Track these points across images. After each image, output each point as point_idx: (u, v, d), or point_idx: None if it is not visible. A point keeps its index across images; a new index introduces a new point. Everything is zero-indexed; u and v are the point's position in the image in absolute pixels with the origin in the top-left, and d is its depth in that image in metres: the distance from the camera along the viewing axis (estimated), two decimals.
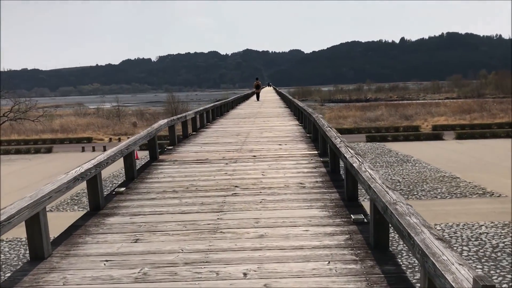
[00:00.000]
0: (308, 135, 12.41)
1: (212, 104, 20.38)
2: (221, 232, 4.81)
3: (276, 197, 6.05)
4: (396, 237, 10.60)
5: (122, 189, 6.78)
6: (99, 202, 5.83)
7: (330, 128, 8.17)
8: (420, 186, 17.86)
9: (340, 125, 40.32)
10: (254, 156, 9.29)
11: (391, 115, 53.80)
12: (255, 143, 11.23)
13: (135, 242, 4.61)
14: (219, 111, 21.91)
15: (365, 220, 4.96)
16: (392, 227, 3.72)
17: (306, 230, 4.74)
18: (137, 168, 8.37)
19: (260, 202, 5.87)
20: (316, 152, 9.51)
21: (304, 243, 4.40)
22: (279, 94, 48.82)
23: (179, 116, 12.69)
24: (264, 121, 18.18)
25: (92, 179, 5.76)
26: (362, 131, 36.78)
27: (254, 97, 41.98)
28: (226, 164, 8.50)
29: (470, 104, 62.30)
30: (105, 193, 6.35)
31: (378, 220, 4.12)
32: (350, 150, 5.90)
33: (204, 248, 4.40)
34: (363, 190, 4.85)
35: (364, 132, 36.69)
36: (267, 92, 58.50)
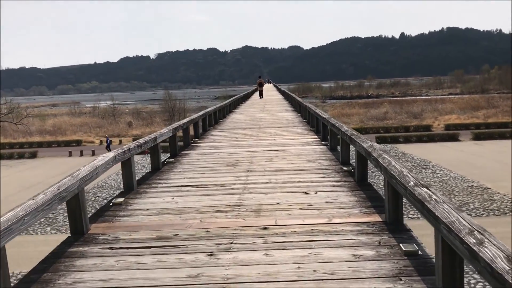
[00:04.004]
0: (344, 168, 7.92)
1: (202, 113, 15.86)
2: None
3: None
4: None
5: None
6: None
7: (430, 190, 3.76)
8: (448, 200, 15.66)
9: (346, 124, 38.17)
10: (265, 228, 4.96)
11: (397, 113, 51.75)
12: (263, 188, 6.80)
13: None
14: (213, 118, 17.72)
15: None
16: None
17: None
18: (32, 268, 4.08)
19: None
20: (377, 215, 5.21)
21: None
22: (282, 93, 45.93)
23: (141, 141, 7.91)
24: (271, 134, 13.90)
25: None
26: (370, 131, 34.87)
27: (256, 95, 41.77)
28: (211, 255, 4.19)
29: (477, 100, 60.37)
30: None
31: None
32: None
33: None
34: None
35: (372, 132, 34.78)
36: (269, 90, 56.14)
